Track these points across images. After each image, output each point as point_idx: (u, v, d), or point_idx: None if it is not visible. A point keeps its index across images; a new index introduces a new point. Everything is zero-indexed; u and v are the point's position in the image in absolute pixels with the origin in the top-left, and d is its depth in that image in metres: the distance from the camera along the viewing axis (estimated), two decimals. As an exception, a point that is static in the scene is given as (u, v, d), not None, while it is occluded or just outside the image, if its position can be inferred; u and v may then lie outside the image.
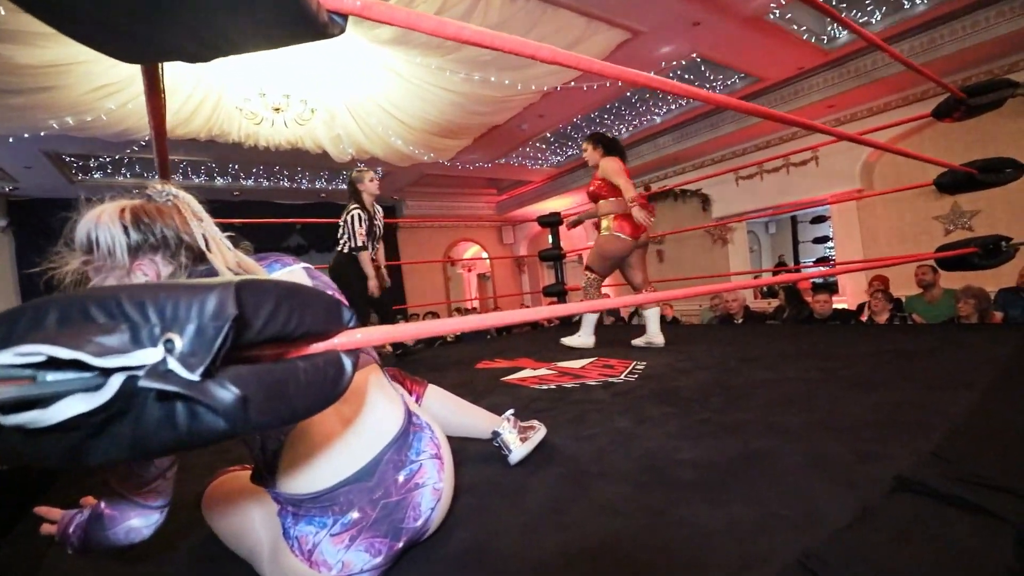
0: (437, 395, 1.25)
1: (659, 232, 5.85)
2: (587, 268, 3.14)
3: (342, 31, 0.56)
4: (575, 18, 3.79)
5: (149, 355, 0.33)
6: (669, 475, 1.08)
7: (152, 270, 0.76)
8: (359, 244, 3.11)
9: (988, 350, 2.00)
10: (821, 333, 3.00)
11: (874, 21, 4.50)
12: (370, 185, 3.24)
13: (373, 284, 3.16)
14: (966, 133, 4.94)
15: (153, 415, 0.33)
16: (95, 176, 6.90)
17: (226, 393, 0.33)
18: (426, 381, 1.25)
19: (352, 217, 3.11)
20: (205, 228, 0.78)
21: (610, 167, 3.00)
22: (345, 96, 4.94)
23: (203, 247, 0.76)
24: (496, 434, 1.24)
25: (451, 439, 1.00)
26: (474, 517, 0.98)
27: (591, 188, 3.18)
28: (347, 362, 0.52)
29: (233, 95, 4.71)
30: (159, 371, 0.32)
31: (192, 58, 0.55)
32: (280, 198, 8.70)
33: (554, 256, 4.55)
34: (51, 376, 0.34)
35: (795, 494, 0.94)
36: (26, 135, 4.64)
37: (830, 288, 5.19)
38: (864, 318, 3.80)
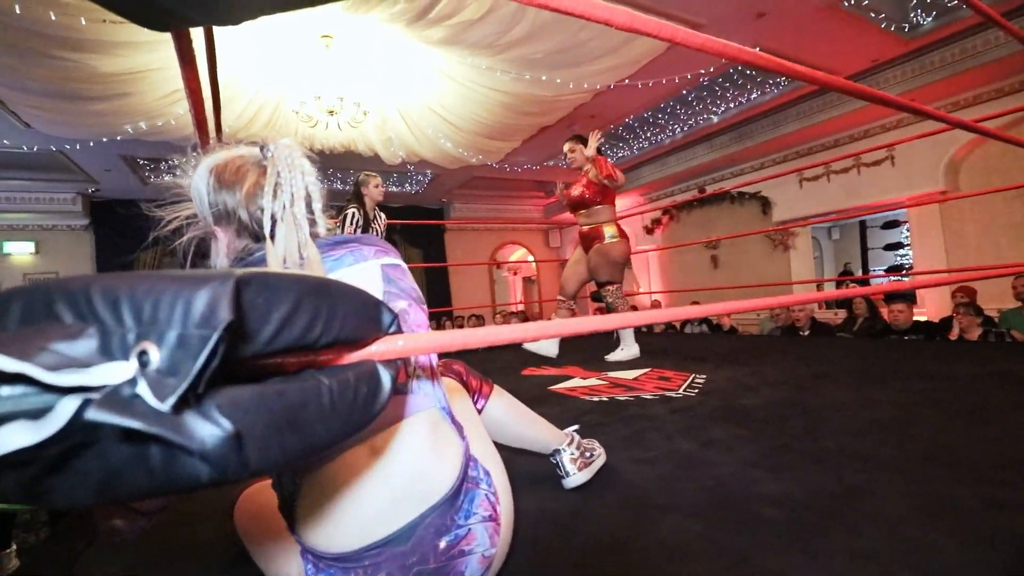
0: (502, 401, 1.07)
1: (714, 237, 5.54)
2: (606, 284, 2.98)
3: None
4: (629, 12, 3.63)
5: (115, 371, 0.24)
6: (749, 512, 0.93)
7: (225, 239, 0.71)
8: None
9: (1125, 376, 1.70)
10: (902, 349, 2.69)
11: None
12: (374, 191, 3.24)
13: None
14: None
15: (121, 453, 0.25)
16: (166, 178, 7.29)
17: (212, 430, 0.24)
18: (492, 382, 1.09)
19: (345, 216, 3.10)
20: (277, 206, 0.64)
21: (601, 167, 2.91)
22: (396, 99, 4.99)
23: (264, 229, 0.64)
24: (557, 452, 1.13)
25: (500, 449, 0.88)
26: (521, 551, 0.87)
27: (576, 193, 3.03)
28: (385, 376, 0.42)
29: (290, 99, 4.85)
30: (120, 397, 0.23)
31: (215, 20, 0.48)
32: (335, 200, 8.95)
33: (603, 260, 4.38)
34: (5, 391, 0.26)
35: (913, 547, 0.77)
36: (104, 139, 4.95)
37: (907, 298, 4.74)
38: (954, 335, 3.41)
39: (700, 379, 2.21)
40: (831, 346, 3.04)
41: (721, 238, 5.69)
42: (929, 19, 4.34)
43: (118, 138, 4.93)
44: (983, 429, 1.26)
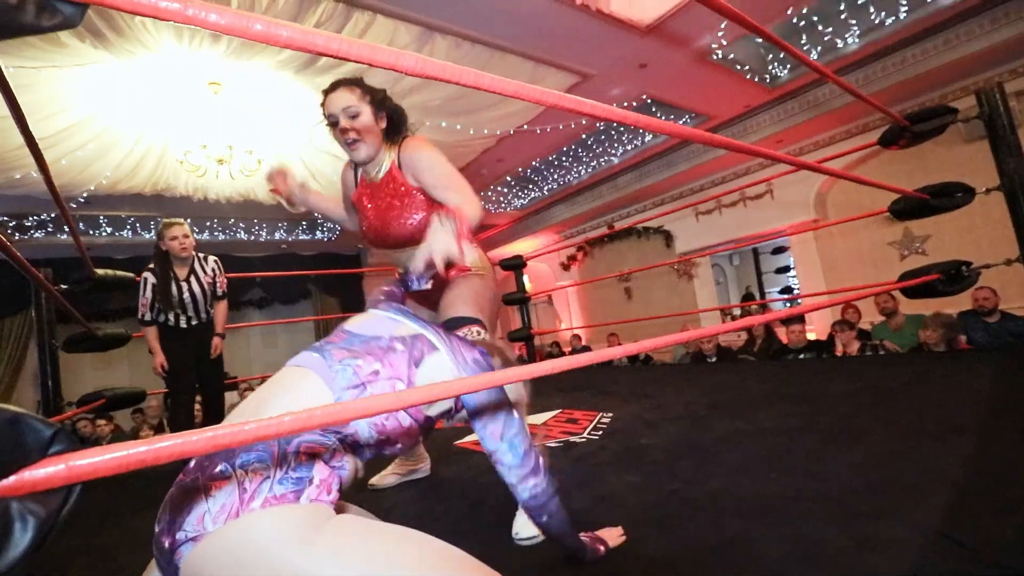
0: None
1: (624, 271, 5.80)
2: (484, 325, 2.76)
3: (69, 24, 0.38)
4: (522, 63, 3.79)
5: None
6: (628, 582, 0.86)
7: None
8: (139, 316, 2.45)
9: (966, 382, 1.88)
10: (794, 369, 2.87)
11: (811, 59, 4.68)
12: (171, 243, 2.41)
13: (157, 362, 2.47)
14: (907, 161, 5.11)
15: None
16: (35, 235, 6.50)
17: None
18: None
19: (141, 281, 2.44)
20: None
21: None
22: (295, 146, 4.81)
23: None
24: None
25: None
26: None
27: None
28: (22, 516, 0.31)
29: (175, 149, 4.52)
30: None
31: None
32: (239, 251, 8.37)
33: (518, 300, 4.41)
34: None
35: (783, 608, 0.73)
36: (-59, 197, 4.31)
37: (799, 318, 5.16)
38: (839, 351, 3.72)
39: (607, 418, 2.18)
40: (732, 371, 3.18)
41: (630, 272, 5.95)
42: (785, 71, 4.92)
43: (-39, 194, 4.31)
44: (851, 453, 1.30)
